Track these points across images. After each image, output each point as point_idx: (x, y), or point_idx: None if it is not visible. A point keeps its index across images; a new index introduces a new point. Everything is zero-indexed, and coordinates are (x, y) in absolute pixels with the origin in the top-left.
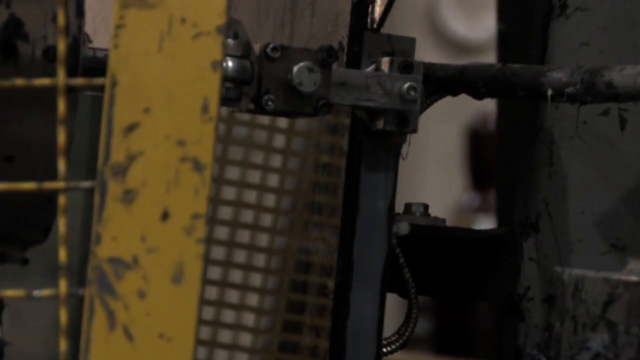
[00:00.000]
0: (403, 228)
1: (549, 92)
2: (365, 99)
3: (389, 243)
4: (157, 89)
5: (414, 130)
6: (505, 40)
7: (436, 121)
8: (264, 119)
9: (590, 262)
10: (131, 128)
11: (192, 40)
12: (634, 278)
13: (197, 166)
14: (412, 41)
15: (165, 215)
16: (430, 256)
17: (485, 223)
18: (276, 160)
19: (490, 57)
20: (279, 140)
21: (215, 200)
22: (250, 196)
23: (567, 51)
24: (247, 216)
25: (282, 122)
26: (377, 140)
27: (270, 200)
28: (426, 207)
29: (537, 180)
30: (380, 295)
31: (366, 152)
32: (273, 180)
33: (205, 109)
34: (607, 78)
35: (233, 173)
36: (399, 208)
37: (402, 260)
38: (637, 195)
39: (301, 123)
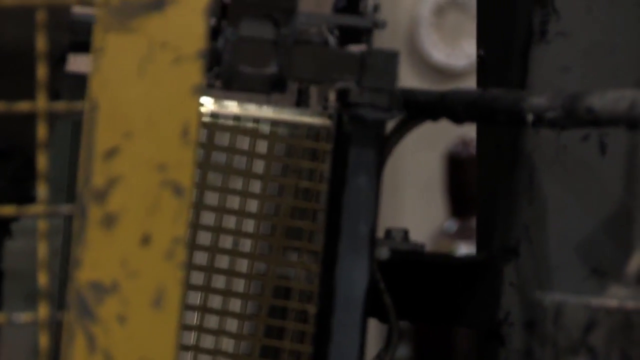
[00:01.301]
0: (383, 253)
1: (529, 117)
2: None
3: (371, 268)
4: (137, 113)
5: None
6: (486, 65)
7: (416, 147)
8: (244, 144)
9: (571, 287)
10: (111, 152)
11: (172, 65)
12: (614, 303)
13: (177, 190)
14: None
15: (145, 240)
16: (410, 281)
17: (466, 249)
18: (255, 186)
19: (470, 83)
20: (259, 166)
21: (194, 226)
22: (229, 221)
23: (547, 76)
24: (226, 242)
25: (262, 147)
26: (360, 164)
27: (249, 225)
28: (406, 232)
29: (517, 205)
30: (362, 321)
31: (349, 177)
32: (252, 205)
33: (185, 133)
34: (587, 103)
35: (212, 198)
36: (379, 233)
37: (382, 285)
38: (617, 221)
39: (281, 149)
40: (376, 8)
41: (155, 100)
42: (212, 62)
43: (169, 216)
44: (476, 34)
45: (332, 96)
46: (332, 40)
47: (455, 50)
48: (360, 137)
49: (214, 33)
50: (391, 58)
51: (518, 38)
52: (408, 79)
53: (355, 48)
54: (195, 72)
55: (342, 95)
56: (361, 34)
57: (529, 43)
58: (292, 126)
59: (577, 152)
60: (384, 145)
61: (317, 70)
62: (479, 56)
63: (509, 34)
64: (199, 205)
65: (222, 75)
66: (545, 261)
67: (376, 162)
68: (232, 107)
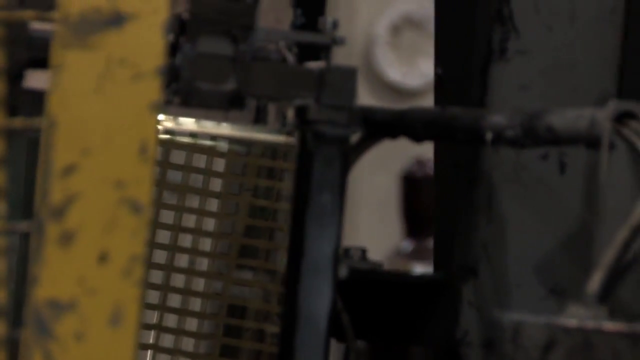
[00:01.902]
0: (341, 272)
1: (489, 135)
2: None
3: (334, 288)
4: (95, 130)
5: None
6: (444, 84)
7: (372, 166)
8: (200, 162)
9: (530, 306)
10: (69, 169)
11: (131, 81)
12: (573, 323)
13: (135, 207)
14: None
15: (103, 257)
16: (368, 300)
17: (422, 269)
18: (212, 204)
19: (426, 103)
20: (216, 184)
21: (150, 244)
22: (185, 240)
23: (507, 94)
24: (182, 260)
25: (219, 165)
26: (323, 181)
27: (205, 244)
28: (364, 251)
29: (475, 224)
30: (325, 341)
31: (313, 195)
32: (209, 223)
33: (143, 150)
34: (547, 121)
35: (168, 217)
36: None
37: (339, 304)
38: (576, 240)
39: (237, 167)
40: (334, 25)
41: (114, 117)
42: (170, 78)
43: (127, 234)
44: (434, 52)
45: (290, 113)
46: (290, 57)
47: (412, 69)
48: (324, 155)
49: (172, 49)
50: (349, 75)
51: (477, 56)
52: (364, 97)
53: (314, 65)
54: (153, 89)
55: (301, 112)
56: (319, 51)
57: (489, 61)
58: (250, 144)
59: (536, 170)
60: (347, 163)
61: (275, 87)
62: (436, 74)
63: (468, 51)
64: (155, 224)
65: (180, 91)
66: (504, 280)
67: (340, 180)
68: (189, 124)
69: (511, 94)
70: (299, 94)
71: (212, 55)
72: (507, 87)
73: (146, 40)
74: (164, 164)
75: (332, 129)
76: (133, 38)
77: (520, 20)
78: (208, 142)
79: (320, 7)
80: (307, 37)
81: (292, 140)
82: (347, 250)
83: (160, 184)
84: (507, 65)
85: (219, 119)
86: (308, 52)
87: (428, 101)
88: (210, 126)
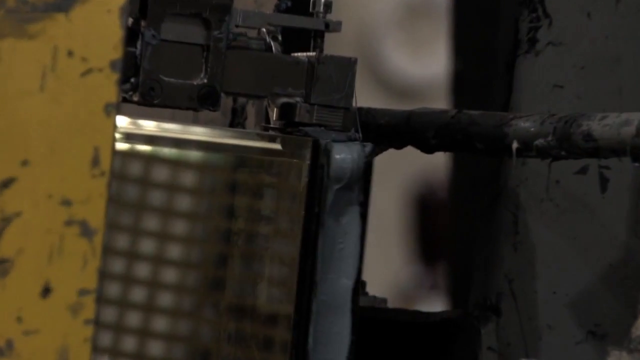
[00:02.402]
0: None
1: (514, 144)
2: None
3: (354, 331)
4: (38, 137)
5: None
6: (461, 81)
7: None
8: (160, 176)
9: (563, 352)
10: (6, 184)
11: (81, 78)
12: None
13: (86, 231)
14: None
15: (46, 291)
16: (369, 342)
17: (434, 304)
18: (178, 226)
19: (437, 104)
20: (182, 201)
21: (102, 274)
22: (143, 270)
23: (536, 95)
24: (139, 294)
25: (187, 178)
26: (341, 201)
27: (169, 275)
28: (363, 284)
29: (498, 252)
30: None
31: (327, 218)
32: (174, 250)
33: (96, 161)
34: (585, 128)
35: (123, 241)
36: None
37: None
38: (619, 272)
39: (207, 182)
40: (328, 7)
41: (60, 120)
42: (128, 71)
43: (76, 262)
44: (449, 43)
45: (274, 114)
46: (274, 45)
47: (419, 63)
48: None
49: (131, 36)
50: (347, 67)
51: (502, 48)
52: (359, 96)
53: (303, 55)
54: (108, 87)
55: (287, 112)
56: (310, 39)
57: (515, 55)
58: (225, 151)
59: (572, 187)
60: (370, 179)
61: (256, 82)
62: (451, 70)
63: (491, 43)
64: (108, 249)
65: (140, 87)
66: (532, 321)
67: (361, 200)
68: (150, 127)
69: (542, 94)
70: (284, 90)
71: (179, 44)
72: (538, 86)
73: (99, 28)
74: (122, 177)
75: (324, 134)
76: (83, 25)
77: (553, 4)
78: (173, 150)
79: None
80: (295, 21)
81: (276, 147)
82: None
83: (116, 201)
84: (536, 59)
85: (187, 121)
86: (296, 40)
87: (439, 102)
88: (176, 130)
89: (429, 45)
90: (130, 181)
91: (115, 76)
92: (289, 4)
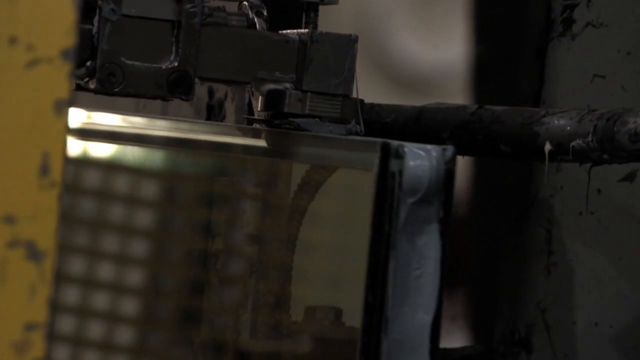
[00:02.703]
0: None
1: (547, 146)
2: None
3: None
4: None
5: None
6: (483, 71)
7: None
8: (121, 186)
9: None
10: None
11: (26, 70)
12: None
13: (34, 253)
14: None
15: None
16: None
17: (453, 339)
18: (139, 245)
19: (453, 98)
20: (145, 214)
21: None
22: (101, 299)
23: (573, 86)
24: (97, 328)
25: (152, 184)
26: (416, 218)
27: (131, 305)
28: (337, 311)
29: (528, 276)
30: None
31: (399, 237)
32: (131, 276)
33: (44, 169)
34: (632, 126)
35: (79, 265)
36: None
37: None
38: None
39: (180, 185)
40: None
41: (1, 121)
42: (83, 53)
43: (21, 291)
44: (468, 24)
45: (259, 103)
46: (259, 22)
47: (431, 48)
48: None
49: (86, 10)
50: (345, 46)
51: (531, 31)
52: (360, 89)
53: (293, 33)
54: (59, 81)
55: (274, 101)
56: (301, 13)
57: (547, 38)
58: (198, 149)
59: (616, 198)
60: (452, 190)
61: (237, 66)
62: (472, 57)
63: (518, 24)
64: (60, 276)
65: (98, 72)
66: (570, 357)
67: (441, 216)
68: (109, 121)
69: (580, 85)
70: (270, 74)
71: (144, 20)
72: (574, 76)
73: (47, 11)
74: (77, 186)
75: (318, 126)
76: (28, 7)
77: None
78: (137, 151)
79: None
80: None
81: (262, 144)
82: (312, 311)
83: (69, 217)
84: (573, 43)
85: (155, 114)
86: (284, 15)
87: (456, 96)
88: (140, 123)
89: (443, 27)
90: (85, 192)
91: (67, 67)
92: None
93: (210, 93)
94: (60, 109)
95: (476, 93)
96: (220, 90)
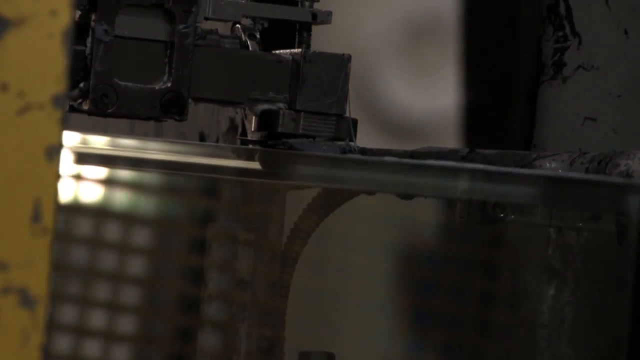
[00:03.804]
0: None
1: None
2: None
3: None
4: None
5: None
6: (474, 115)
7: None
8: (113, 231)
9: None
10: None
11: (18, 117)
12: None
13: (26, 300)
14: None
15: None
16: None
17: None
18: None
19: (447, 142)
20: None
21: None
22: (93, 346)
23: (564, 129)
24: None
25: (137, 235)
26: None
27: (122, 353)
28: (331, 356)
29: None
30: None
31: None
32: (124, 322)
33: (36, 216)
34: (623, 169)
35: (70, 315)
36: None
37: None
38: None
39: (175, 210)
40: None
41: None
42: (76, 74)
43: (14, 337)
44: (459, 70)
45: (252, 124)
46: (252, 45)
47: (422, 92)
48: None
49: (80, 32)
50: (338, 66)
51: (521, 75)
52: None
53: (286, 53)
54: (50, 127)
55: (268, 121)
56: (294, 34)
57: (538, 81)
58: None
59: (594, 242)
60: None
61: (230, 86)
62: (463, 102)
63: (508, 69)
64: (52, 322)
65: (91, 94)
66: None
67: None
68: (101, 144)
69: (571, 128)
70: (265, 94)
71: (136, 40)
72: (565, 118)
73: (39, 57)
74: (65, 236)
75: (312, 146)
76: (19, 54)
77: (583, 20)
78: (128, 174)
79: None
80: (276, 12)
81: (258, 164)
82: (305, 356)
83: (64, 261)
84: (564, 86)
85: (148, 135)
86: (277, 36)
87: (447, 141)
88: (133, 146)
89: (434, 73)
90: (76, 239)
91: (58, 114)
92: None
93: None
94: (52, 155)
95: (467, 138)
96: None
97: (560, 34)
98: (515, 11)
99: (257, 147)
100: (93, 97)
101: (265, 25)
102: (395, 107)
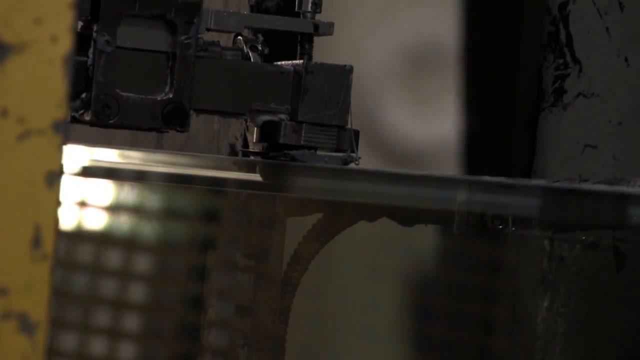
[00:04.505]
0: None
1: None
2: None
3: None
4: None
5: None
6: (474, 143)
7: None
8: (113, 257)
9: None
10: None
11: (18, 142)
12: None
13: (26, 325)
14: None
15: None
16: None
17: None
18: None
19: (448, 171)
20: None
21: None
22: None
23: (564, 156)
24: None
25: (137, 262)
26: None
27: None
28: None
29: None
30: None
31: None
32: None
33: (36, 242)
34: None
35: (68, 337)
36: None
37: None
38: None
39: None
40: (316, 5)
41: None
42: (78, 85)
43: None
44: (460, 98)
45: (253, 135)
46: (254, 57)
47: (424, 122)
48: None
49: (81, 42)
50: (340, 77)
51: (522, 102)
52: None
53: (288, 64)
54: (50, 153)
55: (269, 132)
56: (296, 45)
57: (538, 109)
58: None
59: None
60: None
61: (232, 97)
62: (463, 130)
63: (509, 96)
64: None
65: (93, 104)
66: None
67: None
68: (106, 156)
69: (571, 155)
70: (266, 105)
71: (138, 51)
72: (565, 146)
73: (39, 83)
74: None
75: (314, 157)
76: (20, 79)
77: (583, 48)
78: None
79: None
80: (278, 23)
81: (259, 177)
82: None
83: (60, 290)
84: (565, 114)
85: (150, 146)
86: (278, 47)
87: (448, 169)
88: (137, 158)
89: (434, 101)
90: (76, 265)
91: (58, 139)
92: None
93: None
94: (52, 181)
95: (468, 165)
96: None
97: (561, 61)
98: (515, 38)
99: (259, 158)
100: (94, 107)
101: (260, 39)
102: (396, 135)
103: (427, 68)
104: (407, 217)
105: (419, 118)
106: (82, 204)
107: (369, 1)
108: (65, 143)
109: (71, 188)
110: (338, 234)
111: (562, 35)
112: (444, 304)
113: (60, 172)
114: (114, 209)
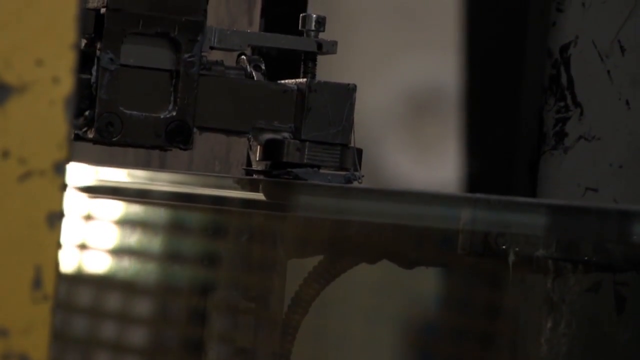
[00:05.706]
0: None
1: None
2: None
3: None
4: None
5: None
6: (475, 186)
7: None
8: (113, 299)
9: None
10: None
11: (19, 183)
12: None
13: None
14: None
15: None
16: None
17: None
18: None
19: None
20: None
21: None
22: None
23: (565, 199)
24: None
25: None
26: None
27: None
28: None
29: None
30: None
31: None
32: None
33: (37, 283)
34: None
35: None
36: None
37: None
38: None
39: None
40: (320, 24)
41: None
42: (82, 103)
43: None
44: (461, 142)
45: (257, 153)
46: (257, 76)
47: (425, 166)
48: None
49: (85, 60)
50: (343, 95)
51: (523, 145)
52: None
53: (291, 83)
54: (51, 194)
55: (273, 150)
56: (299, 63)
57: (539, 151)
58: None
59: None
60: None
61: (235, 115)
62: (464, 174)
63: (510, 139)
64: None
65: (96, 122)
66: None
67: None
68: (113, 176)
69: (572, 198)
70: (270, 124)
71: (142, 69)
72: (566, 189)
73: (40, 124)
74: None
75: (318, 176)
76: (21, 120)
77: (584, 91)
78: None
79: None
80: (281, 41)
81: (264, 197)
82: None
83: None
84: (566, 156)
85: (152, 165)
86: (281, 65)
87: None
88: (142, 176)
89: (435, 146)
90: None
91: (59, 180)
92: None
93: None
94: (53, 222)
95: None
96: None
97: (562, 104)
98: (517, 82)
99: (262, 177)
100: (98, 125)
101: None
102: (397, 179)
103: (428, 112)
104: (407, 260)
105: (420, 162)
106: (83, 247)
107: (370, 45)
108: (66, 185)
109: (71, 229)
110: (339, 276)
111: (564, 79)
112: (445, 349)
113: (61, 213)
114: (114, 249)
